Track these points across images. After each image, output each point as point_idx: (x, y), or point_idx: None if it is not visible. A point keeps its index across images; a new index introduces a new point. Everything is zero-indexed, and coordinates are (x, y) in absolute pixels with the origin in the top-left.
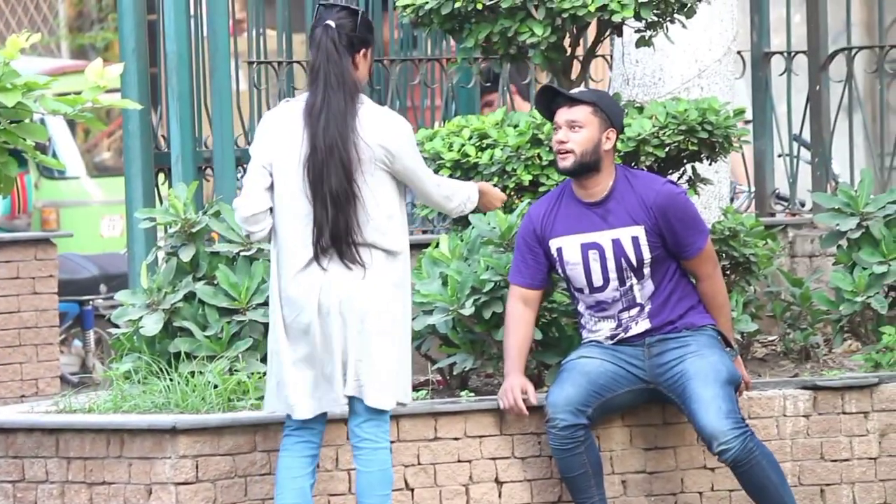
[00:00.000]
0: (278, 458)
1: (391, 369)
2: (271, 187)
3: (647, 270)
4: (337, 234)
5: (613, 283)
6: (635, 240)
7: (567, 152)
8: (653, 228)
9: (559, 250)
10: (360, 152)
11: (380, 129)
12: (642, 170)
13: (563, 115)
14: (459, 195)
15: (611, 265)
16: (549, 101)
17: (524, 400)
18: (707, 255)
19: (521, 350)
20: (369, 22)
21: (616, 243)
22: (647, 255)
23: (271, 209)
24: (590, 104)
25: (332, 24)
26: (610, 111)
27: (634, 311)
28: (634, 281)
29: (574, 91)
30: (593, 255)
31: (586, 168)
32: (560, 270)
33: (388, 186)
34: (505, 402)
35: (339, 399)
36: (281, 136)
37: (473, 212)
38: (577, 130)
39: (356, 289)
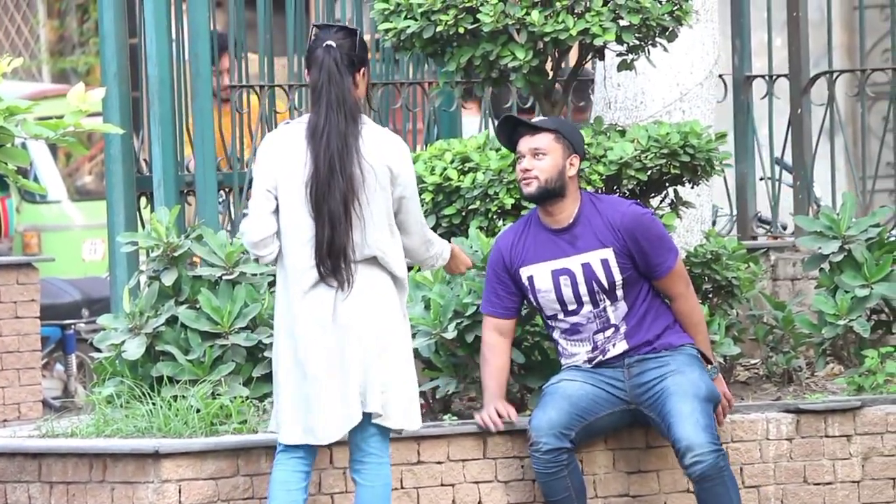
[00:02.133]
0: (272, 471)
1: (412, 391)
2: (277, 210)
3: (619, 292)
4: (335, 253)
5: (587, 305)
6: (605, 262)
7: (531, 179)
8: (622, 250)
9: (530, 279)
10: (364, 172)
11: (385, 150)
12: (615, 194)
13: (525, 143)
14: (437, 247)
15: (582, 289)
16: (511, 132)
17: (506, 421)
18: (678, 274)
19: (500, 381)
20: (365, 42)
21: (586, 267)
22: (618, 277)
23: (278, 232)
24: (552, 131)
25: (333, 44)
26: (572, 138)
27: (609, 333)
28: (608, 303)
29: (535, 119)
30: (564, 281)
31: (551, 194)
32: (532, 299)
33: (389, 211)
34: (484, 421)
35: (351, 420)
36: (284, 158)
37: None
38: (540, 158)
39: (369, 309)
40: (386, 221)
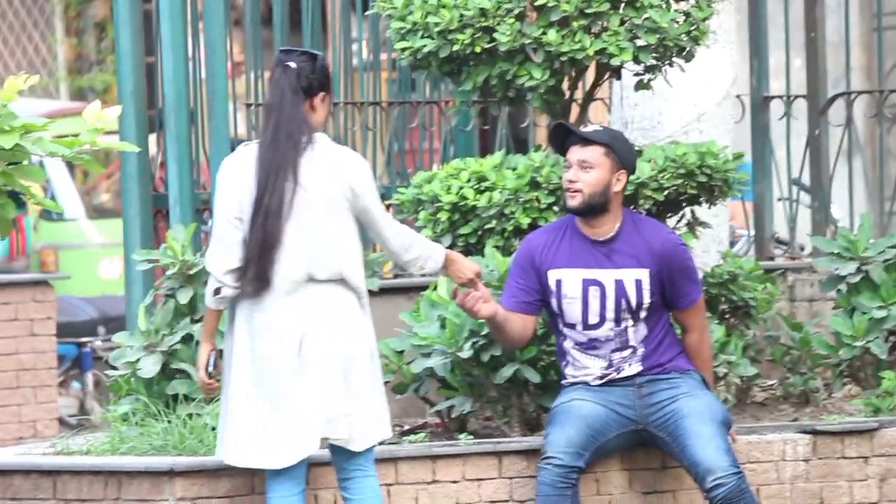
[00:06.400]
0: (267, 499)
1: (378, 407)
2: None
3: (643, 314)
4: (259, 273)
5: (609, 322)
6: (638, 283)
7: (576, 191)
8: (656, 274)
9: (558, 282)
10: (325, 194)
11: (342, 168)
12: (643, 214)
13: (575, 153)
14: (420, 250)
15: (610, 304)
16: (563, 138)
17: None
18: (700, 308)
19: (508, 313)
20: (327, 68)
21: (619, 284)
22: (646, 300)
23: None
24: (603, 145)
25: (293, 65)
26: (623, 153)
27: (627, 353)
28: (630, 323)
29: (588, 130)
30: (594, 292)
31: (594, 209)
32: (555, 303)
33: (350, 227)
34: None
35: (312, 442)
36: (242, 182)
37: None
38: (587, 171)
39: (337, 332)
40: (351, 239)
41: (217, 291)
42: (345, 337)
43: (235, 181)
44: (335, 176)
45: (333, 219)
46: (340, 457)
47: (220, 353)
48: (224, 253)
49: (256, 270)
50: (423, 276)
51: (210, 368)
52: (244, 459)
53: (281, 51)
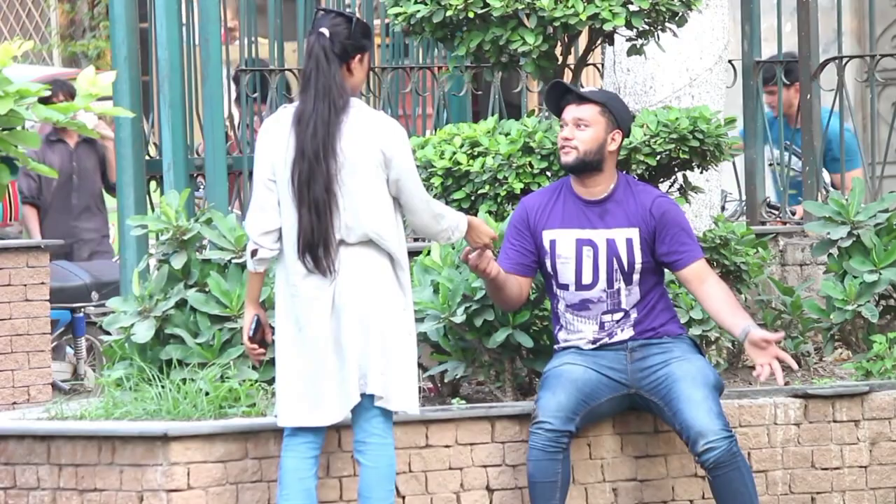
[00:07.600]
0: (281, 458)
1: (411, 374)
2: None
3: (636, 277)
4: (318, 242)
5: (602, 283)
6: (629, 242)
7: (571, 148)
8: (647, 234)
9: (552, 243)
10: (351, 158)
11: (377, 134)
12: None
13: (571, 112)
14: (449, 219)
15: (602, 264)
16: (559, 98)
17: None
18: (706, 265)
19: (506, 275)
20: (365, 27)
21: (610, 243)
22: (637, 260)
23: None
24: (599, 104)
25: (326, 31)
26: (618, 113)
27: (618, 316)
28: (623, 285)
29: (585, 90)
30: (587, 252)
31: (588, 166)
32: (549, 264)
33: (384, 192)
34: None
35: (350, 401)
36: (278, 144)
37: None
38: (583, 129)
39: (366, 292)
40: (382, 202)
41: (254, 253)
42: (377, 300)
43: (271, 144)
44: (369, 141)
45: (367, 184)
46: (361, 419)
47: (263, 318)
48: (260, 215)
49: (315, 239)
50: (415, 240)
51: (251, 333)
52: (285, 419)
53: (317, 10)
